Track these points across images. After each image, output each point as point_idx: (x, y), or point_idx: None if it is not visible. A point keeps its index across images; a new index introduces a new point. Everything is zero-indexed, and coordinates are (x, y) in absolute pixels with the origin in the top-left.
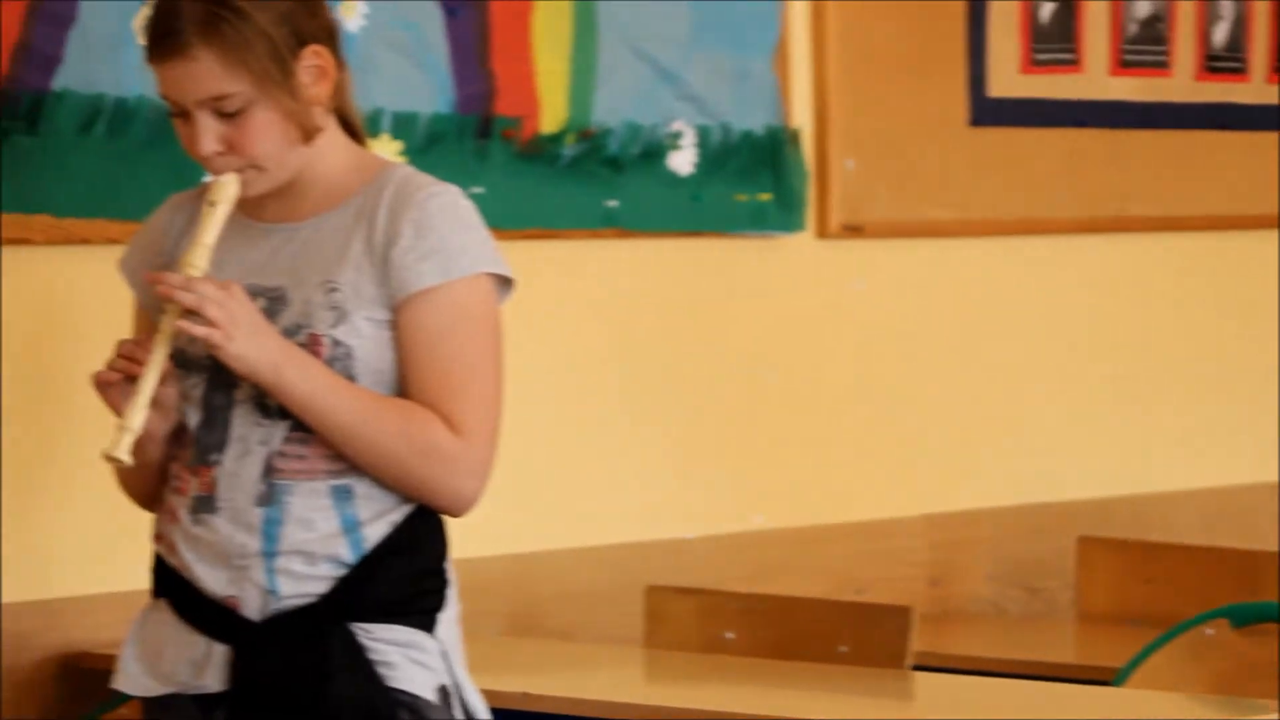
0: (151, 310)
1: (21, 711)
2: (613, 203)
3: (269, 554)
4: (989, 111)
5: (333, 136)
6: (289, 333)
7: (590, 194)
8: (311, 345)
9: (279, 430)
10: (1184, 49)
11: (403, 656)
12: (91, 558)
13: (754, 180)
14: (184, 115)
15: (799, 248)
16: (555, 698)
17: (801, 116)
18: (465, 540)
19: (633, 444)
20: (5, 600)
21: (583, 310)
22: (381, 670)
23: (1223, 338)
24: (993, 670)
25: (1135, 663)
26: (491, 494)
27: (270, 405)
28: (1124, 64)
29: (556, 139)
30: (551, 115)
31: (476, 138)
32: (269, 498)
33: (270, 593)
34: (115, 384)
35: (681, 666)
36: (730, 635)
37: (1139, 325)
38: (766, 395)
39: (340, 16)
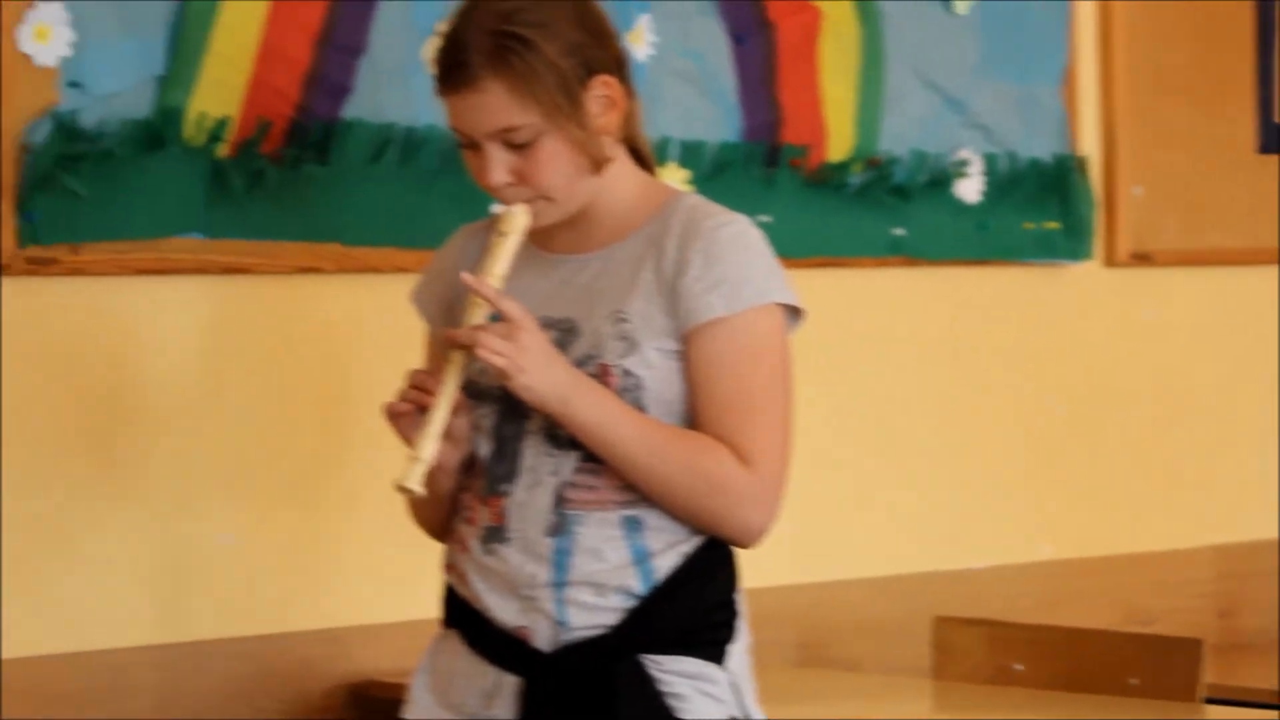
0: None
1: None
2: (899, 231)
3: (559, 584)
4: (1277, 138)
5: (622, 166)
6: (579, 363)
7: (877, 222)
8: (602, 376)
9: (570, 461)
10: None
11: (692, 688)
12: (378, 586)
13: (1041, 208)
14: (474, 146)
15: (1086, 276)
16: None
17: (1089, 144)
18: (753, 570)
19: (920, 474)
20: (293, 629)
21: (869, 339)
22: (671, 702)
23: None
24: None
25: None
26: (779, 523)
27: (561, 436)
28: None
29: (843, 167)
30: (839, 143)
31: (763, 166)
32: (559, 528)
33: (560, 624)
34: (407, 415)
35: (970, 698)
36: (1019, 667)
37: None
38: (1054, 424)
39: (628, 46)
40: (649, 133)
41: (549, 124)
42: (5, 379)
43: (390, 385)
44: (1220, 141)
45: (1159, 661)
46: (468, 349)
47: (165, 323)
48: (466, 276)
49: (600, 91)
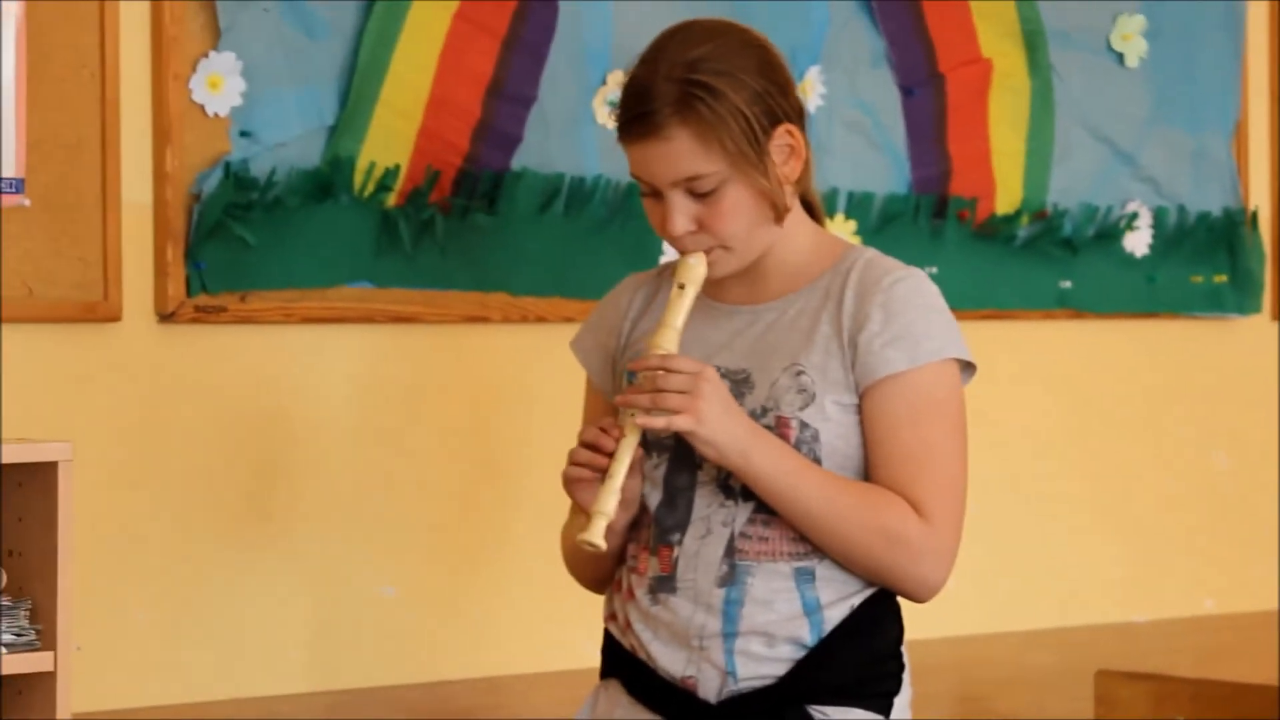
0: (606, 391)
1: None
2: (1067, 284)
3: (729, 635)
4: None
5: (797, 218)
6: (755, 415)
7: (1044, 274)
8: (779, 428)
9: (743, 511)
10: None
11: None
12: (535, 636)
13: (1210, 261)
14: (655, 195)
15: (1255, 329)
16: None
17: (1259, 197)
18: (915, 621)
19: (1083, 526)
20: (451, 678)
21: (1036, 391)
22: None
23: None
24: None
25: None
26: None
27: (734, 486)
28: None
29: (1011, 219)
30: (1007, 196)
31: (931, 218)
32: (730, 578)
33: (729, 674)
34: (584, 480)
35: None
36: None
37: None
38: (1218, 478)
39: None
40: (818, 183)
41: (734, 172)
42: (171, 426)
43: (555, 434)
44: None
45: None
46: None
47: (332, 371)
48: (634, 363)
49: (783, 140)
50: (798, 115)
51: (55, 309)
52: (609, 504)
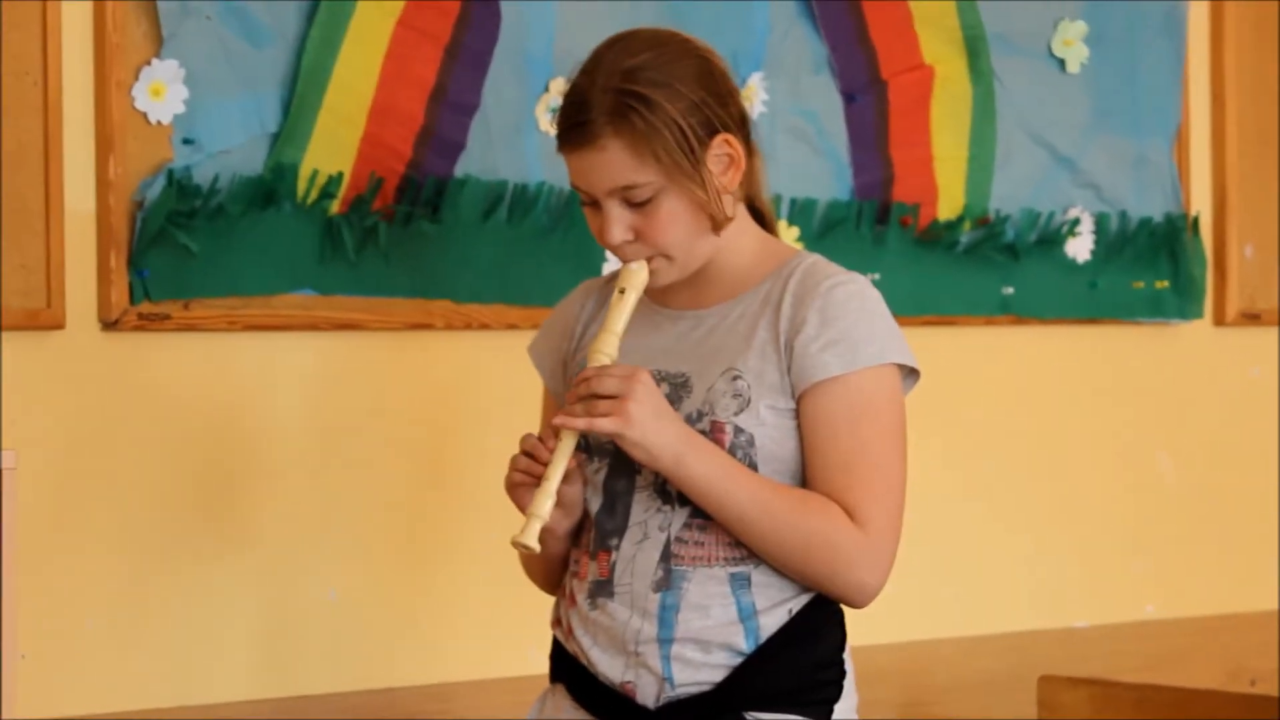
0: (559, 396)
1: None
2: (1009, 289)
3: (665, 640)
4: None
5: (742, 224)
6: (691, 419)
7: (987, 280)
8: (714, 432)
9: (679, 516)
10: None
11: None
12: (484, 642)
13: (1152, 267)
14: (594, 204)
15: (1196, 335)
16: None
17: (1200, 203)
18: (857, 628)
19: (1024, 531)
20: (400, 683)
21: (978, 397)
22: None
23: None
24: None
25: None
26: None
27: (671, 491)
28: None
29: (954, 226)
30: (949, 202)
31: (874, 224)
32: (666, 583)
33: (666, 680)
34: (525, 485)
35: None
36: None
37: None
38: (1160, 483)
39: None
40: None
41: (669, 183)
42: (116, 434)
43: (500, 441)
44: None
45: None
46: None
47: (276, 379)
48: (561, 415)
49: (721, 150)
50: (738, 125)
51: None
52: (543, 507)
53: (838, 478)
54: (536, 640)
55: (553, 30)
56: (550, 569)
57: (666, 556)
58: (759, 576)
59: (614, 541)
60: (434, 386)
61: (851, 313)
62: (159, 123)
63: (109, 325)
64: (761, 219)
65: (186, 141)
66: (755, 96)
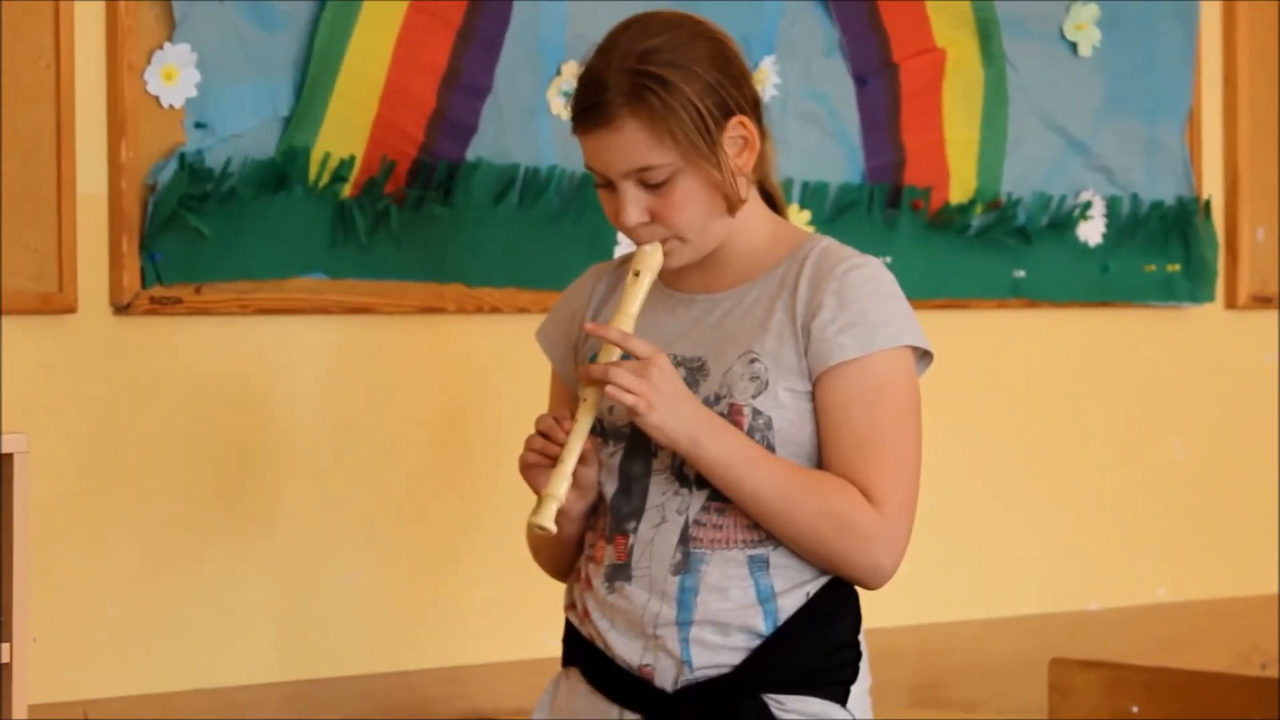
0: (569, 380)
1: None
2: (1020, 273)
3: (683, 623)
4: None
5: (755, 207)
6: (708, 402)
7: (998, 264)
8: (732, 415)
9: (697, 499)
10: None
11: None
12: (499, 626)
13: (1163, 251)
14: (609, 186)
15: (1207, 318)
16: None
17: (1212, 186)
18: (870, 610)
19: (1038, 515)
20: (415, 667)
21: (990, 380)
22: None
23: None
24: None
25: None
26: None
27: (688, 474)
28: None
29: (965, 209)
30: (960, 185)
31: (885, 208)
32: (685, 566)
33: (684, 663)
34: (539, 466)
35: None
36: (1135, 709)
37: None
38: (1172, 466)
39: None
40: None
41: (685, 164)
42: (128, 418)
43: (513, 424)
44: None
45: (1276, 704)
46: (599, 385)
47: (288, 362)
48: (590, 325)
49: (736, 132)
50: (752, 107)
51: (10, 301)
52: (559, 488)
53: (854, 460)
54: (549, 624)
55: (565, 14)
56: (561, 553)
57: (685, 539)
58: (777, 559)
59: (631, 525)
60: (446, 370)
61: (867, 295)
62: (171, 106)
63: (121, 309)
64: (772, 202)
65: (199, 125)
66: (767, 80)
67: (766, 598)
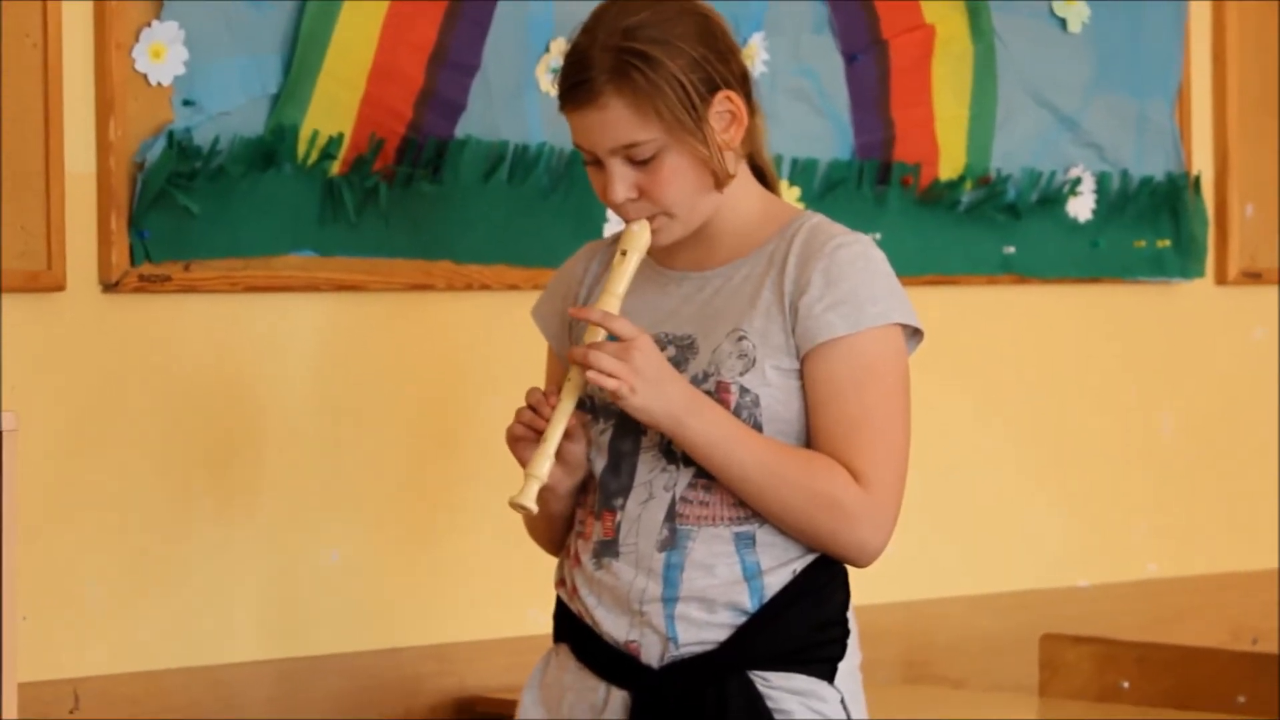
0: (565, 357)
1: None
2: (1010, 249)
3: (669, 599)
4: None
5: (744, 183)
6: (696, 380)
7: (988, 240)
8: (719, 393)
9: (684, 476)
10: None
11: (801, 704)
12: (486, 603)
13: (1153, 226)
14: (596, 163)
15: (1197, 294)
16: None
17: (1202, 162)
18: (859, 587)
19: (1027, 491)
20: (403, 644)
21: (980, 356)
22: (779, 718)
23: None
24: None
25: None
26: None
27: (675, 451)
28: None
29: (955, 185)
30: (950, 162)
31: (875, 184)
32: (671, 542)
33: (670, 639)
34: (526, 439)
35: (1076, 715)
36: (1126, 684)
37: None
38: (1161, 442)
39: None
40: None
41: (671, 140)
42: (117, 396)
43: (501, 402)
44: None
45: (1266, 680)
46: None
47: (276, 340)
48: (574, 309)
49: (723, 107)
50: (740, 82)
51: None
52: (541, 468)
53: (842, 438)
54: (537, 601)
55: None
56: (553, 529)
57: (671, 516)
58: (764, 536)
59: (619, 501)
60: (435, 347)
61: (856, 273)
62: (159, 84)
63: (109, 287)
64: (763, 178)
65: (187, 103)
66: (756, 56)
67: (753, 575)
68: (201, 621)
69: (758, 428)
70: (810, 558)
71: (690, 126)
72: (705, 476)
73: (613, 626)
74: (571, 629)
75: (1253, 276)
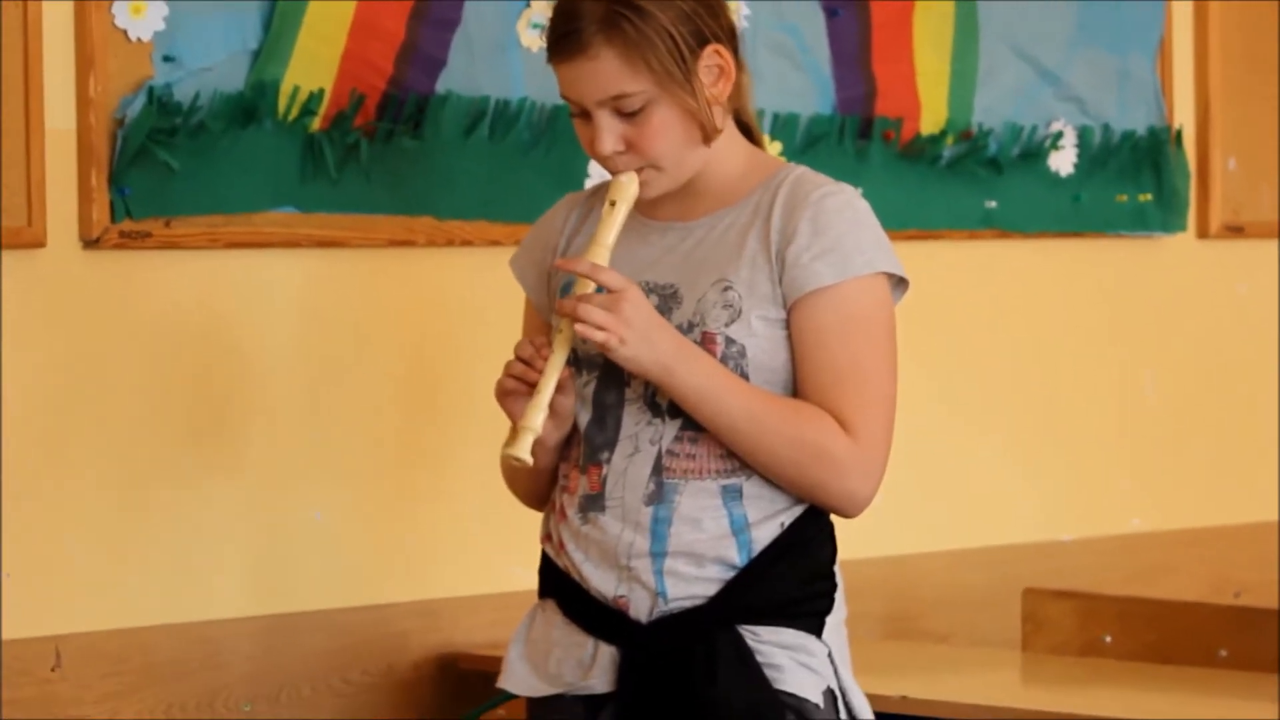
0: (543, 309)
1: (401, 711)
2: (992, 203)
3: (657, 554)
4: None
5: (731, 138)
6: (682, 330)
7: (970, 195)
8: (705, 343)
9: (670, 429)
10: None
11: (790, 659)
12: (470, 559)
13: (1135, 180)
14: (584, 115)
15: (1179, 248)
16: (933, 701)
17: (1183, 116)
18: (843, 542)
19: (1010, 445)
20: (388, 600)
21: (963, 311)
22: (769, 673)
23: None
24: None
25: None
26: None
27: (661, 404)
28: None
29: (936, 140)
30: (932, 116)
31: (856, 139)
32: (658, 496)
33: (659, 594)
34: (517, 393)
35: (1059, 670)
36: (1108, 638)
37: None
38: (1144, 396)
39: None
40: None
41: (660, 92)
42: (98, 352)
43: (483, 358)
44: None
45: (1248, 633)
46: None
47: (258, 296)
48: (560, 260)
49: (712, 60)
50: (728, 36)
51: None
52: (535, 420)
53: (829, 387)
54: (521, 557)
55: None
56: (538, 482)
57: (658, 469)
58: (751, 489)
59: (604, 455)
60: (417, 303)
61: (843, 222)
62: (139, 40)
63: (90, 244)
64: (749, 134)
65: (167, 59)
66: (737, 11)
67: (740, 528)
68: (185, 577)
69: (744, 378)
70: (798, 510)
71: (679, 79)
72: (691, 429)
73: (600, 582)
74: (558, 584)
75: (1235, 230)
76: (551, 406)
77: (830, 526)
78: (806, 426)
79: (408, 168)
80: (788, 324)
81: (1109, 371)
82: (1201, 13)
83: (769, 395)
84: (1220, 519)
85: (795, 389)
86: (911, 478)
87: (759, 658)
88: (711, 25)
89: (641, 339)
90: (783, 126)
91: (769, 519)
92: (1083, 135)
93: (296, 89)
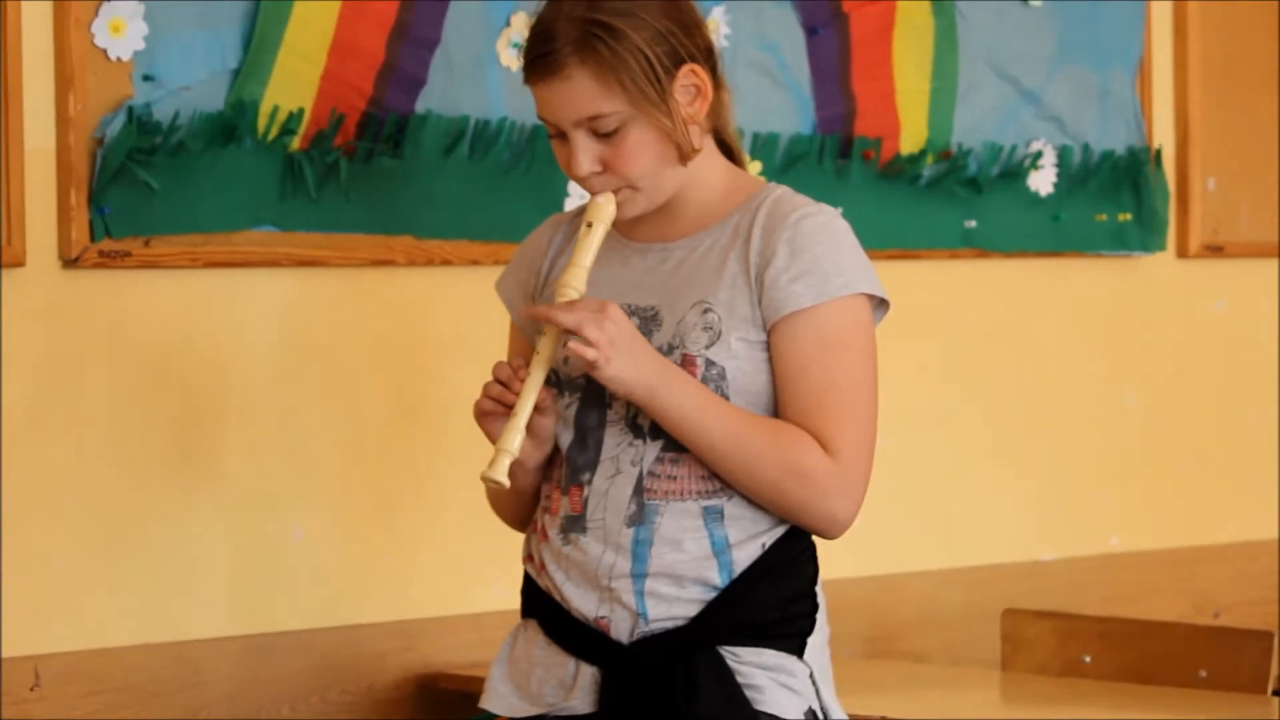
0: (527, 331)
1: None
2: (971, 223)
3: (638, 575)
4: None
5: (710, 157)
6: (662, 353)
7: (949, 214)
8: (685, 366)
9: (651, 450)
10: None
11: (771, 680)
12: (449, 580)
13: (1114, 200)
14: (561, 136)
15: (1159, 268)
16: None
17: (1163, 136)
18: (823, 562)
19: (989, 466)
20: (367, 620)
21: (942, 331)
22: (749, 694)
23: None
24: None
25: None
26: None
27: (642, 425)
28: None
29: (916, 159)
30: (911, 136)
31: (836, 158)
32: (639, 517)
33: (640, 615)
34: (495, 414)
35: (1039, 689)
36: (1088, 659)
37: None
38: (1124, 416)
39: None
40: None
41: (636, 112)
42: (78, 372)
43: (462, 378)
44: None
45: (1228, 654)
46: (560, 332)
47: (237, 316)
48: (526, 309)
49: (687, 80)
50: (705, 56)
51: None
52: (513, 442)
53: (808, 409)
54: (501, 577)
55: None
56: (519, 504)
57: (639, 490)
58: (732, 509)
59: (586, 476)
60: (396, 323)
61: (821, 244)
62: (119, 59)
63: (70, 263)
64: (729, 153)
65: (147, 78)
66: (717, 29)
67: (721, 549)
68: (164, 598)
69: (724, 400)
70: (779, 531)
71: (654, 99)
72: (673, 450)
73: (582, 602)
74: (540, 605)
75: (1214, 250)
76: (532, 428)
77: (812, 547)
78: (788, 447)
79: (387, 187)
80: (768, 346)
81: (1089, 391)
82: (1181, 32)
83: (751, 416)
84: (1201, 539)
85: (776, 410)
86: (892, 498)
87: (739, 678)
88: (687, 45)
89: (625, 358)
90: (763, 146)
91: (750, 540)
92: (1062, 155)
93: (276, 108)
